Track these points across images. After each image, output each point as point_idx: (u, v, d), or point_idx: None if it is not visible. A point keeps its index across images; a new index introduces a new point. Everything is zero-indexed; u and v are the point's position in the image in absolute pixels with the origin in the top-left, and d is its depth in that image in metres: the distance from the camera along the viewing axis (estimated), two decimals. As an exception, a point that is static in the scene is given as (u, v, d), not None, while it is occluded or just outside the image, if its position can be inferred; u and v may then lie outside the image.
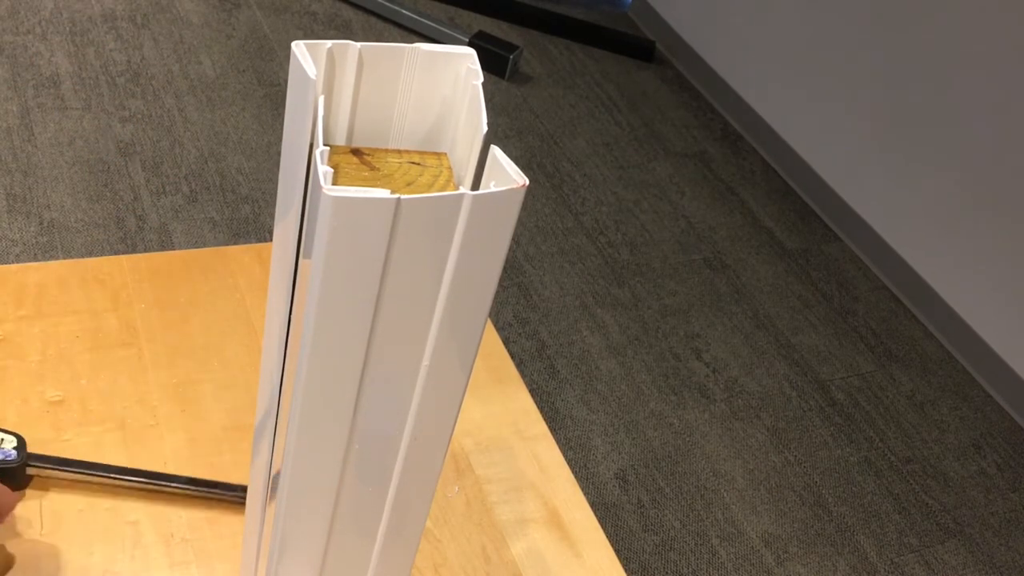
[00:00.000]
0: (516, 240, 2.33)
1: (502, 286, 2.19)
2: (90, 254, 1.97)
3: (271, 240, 0.52)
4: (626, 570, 1.72)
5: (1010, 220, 2.19)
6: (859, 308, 2.41)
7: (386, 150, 0.47)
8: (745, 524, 1.85)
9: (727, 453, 1.97)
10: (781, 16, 2.75)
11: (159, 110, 2.36)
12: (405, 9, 2.90)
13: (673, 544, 1.79)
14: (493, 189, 0.40)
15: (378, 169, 0.45)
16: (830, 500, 1.94)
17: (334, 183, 0.38)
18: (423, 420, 0.48)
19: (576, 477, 0.86)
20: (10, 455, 0.67)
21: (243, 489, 0.73)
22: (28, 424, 0.75)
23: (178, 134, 2.31)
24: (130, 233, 2.04)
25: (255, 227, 2.13)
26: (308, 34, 2.78)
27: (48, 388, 0.78)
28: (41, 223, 2.00)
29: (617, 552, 1.73)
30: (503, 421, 0.88)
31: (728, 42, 2.95)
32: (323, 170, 0.38)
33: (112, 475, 0.72)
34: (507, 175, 0.40)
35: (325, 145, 0.40)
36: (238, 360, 0.85)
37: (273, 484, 0.53)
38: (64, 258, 1.94)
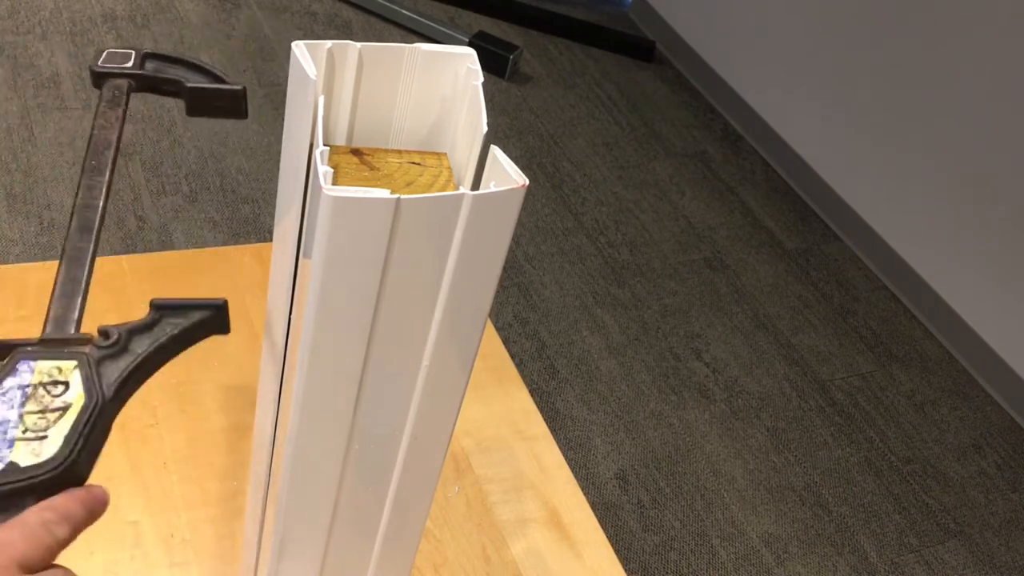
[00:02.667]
0: (516, 240, 2.33)
1: (502, 286, 2.19)
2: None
3: (271, 240, 0.52)
4: (626, 570, 1.72)
5: (1010, 220, 2.18)
6: (859, 308, 2.41)
7: (386, 150, 0.47)
8: (745, 524, 1.85)
9: (727, 453, 1.97)
10: (781, 17, 2.75)
11: (159, 110, 2.36)
12: (405, 9, 2.90)
13: (673, 544, 1.79)
14: (493, 189, 0.40)
15: (378, 169, 0.45)
16: (830, 500, 1.94)
17: (334, 183, 0.38)
18: (423, 420, 0.48)
19: (576, 477, 0.86)
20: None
21: None
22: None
23: (178, 134, 2.31)
24: (130, 233, 2.04)
25: (255, 227, 2.13)
26: (308, 34, 2.78)
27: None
28: (41, 223, 2.00)
29: (617, 552, 1.73)
30: (503, 421, 0.88)
31: (728, 42, 2.95)
32: (323, 170, 0.38)
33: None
34: (507, 175, 0.40)
35: (325, 145, 0.40)
36: (238, 360, 0.85)
37: (273, 484, 0.53)
38: (64, 258, 1.94)
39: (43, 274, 0.88)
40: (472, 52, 0.45)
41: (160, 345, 0.41)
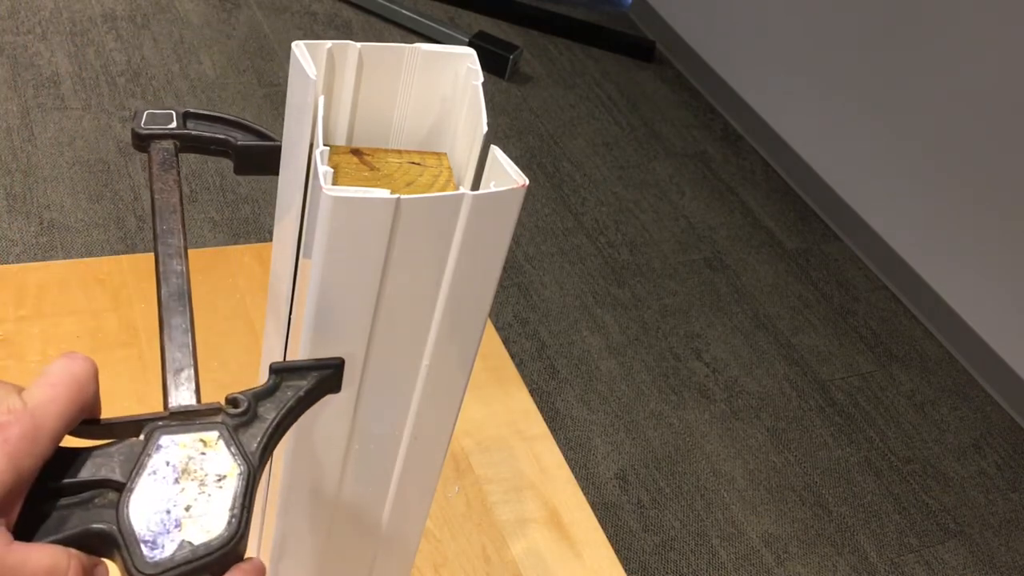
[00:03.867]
0: (516, 240, 2.33)
1: (502, 286, 2.19)
2: (90, 254, 1.97)
3: (271, 240, 0.52)
4: (626, 570, 1.71)
5: (1010, 220, 2.18)
6: (859, 308, 2.41)
7: (386, 150, 0.47)
8: (745, 524, 1.85)
9: (727, 453, 1.97)
10: (781, 16, 2.75)
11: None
12: (405, 9, 2.90)
13: (673, 544, 1.79)
14: (493, 189, 0.40)
15: (378, 169, 0.45)
16: (830, 500, 1.94)
17: (334, 183, 0.38)
18: (423, 420, 0.48)
19: (576, 477, 0.85)
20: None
21: None
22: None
23: (178, 134, 2.31)
24: (130, 233, 2.04)
25: (255, 227, 2.13)
26: (308, 34, 2.78)
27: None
28: (41, 223, 2.00)
29: (617, 552, 1.72)
30: (503, 421, 0.88)
31: (728, 42, 2.95)
32: (323, 170, 0.38)
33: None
34: (507, 175, 0.40)
35: (325, 145, 0.40)
36: (238, 360, 0.84)
37: (273, 483, 0.53)
38: (64, 258, 1.94)
39: (43, 274, 0.88)
40: (472, 52, 0.45)
41: (288, 409, 0.41)
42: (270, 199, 2.19)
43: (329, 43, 0.43)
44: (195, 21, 2.69)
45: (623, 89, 2.96)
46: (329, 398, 0.44)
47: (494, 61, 2.83)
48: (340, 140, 0.47)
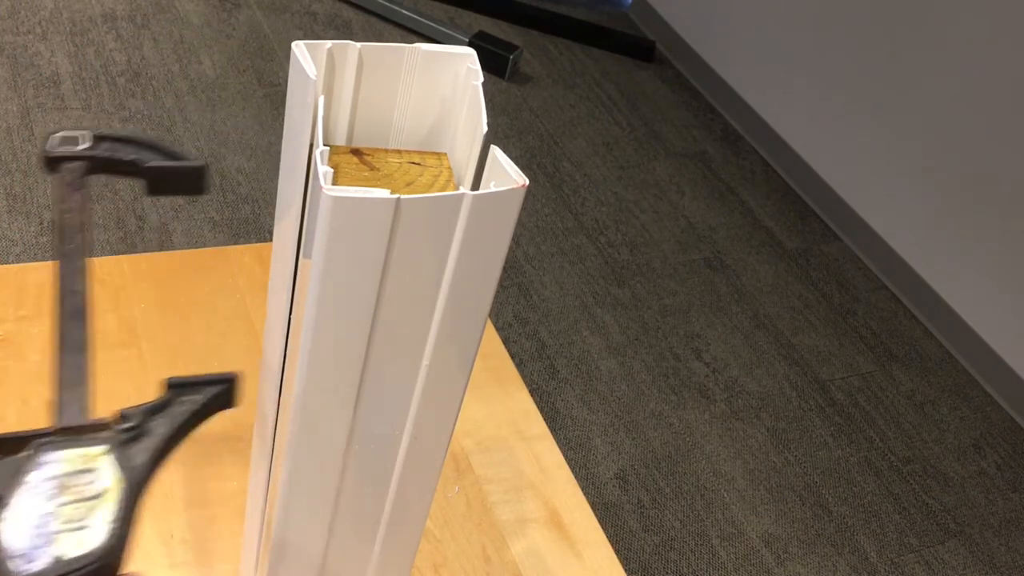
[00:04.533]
0: (516, 240, 2.33)
1: (502, 286, 2.19)
2: (90, 254, 1.97)
3: (271, 240, 0.52)
4: (626, 570, 1.71)
5: (1011, 220, 2.18)
6: (859, 308, 2.41)
7: (386, 150, 0.47)
8: (745, 524, 1.85)
9: (727, 453, 1.97)
10: (781, 17, 2.75)
11: (159, 110, 2.36)
12: (405, 9, 2.90)
13: (673, 544, 1.79)
14: (493, 189, 0.40)
15: (378, 169, 0.45)
16: (830, 500, 1.94)
17: (334, 183, 0.38)
18: (423, 420, 0.48)
19: (576, 477, 0.85)
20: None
21: None
22: (28, 425, 0.75)
23: (178, 134, 2.31)
24: (130, 233, 2.04)
25: (255, 227, 2.13)
26: (308, 34, 2.78)
27: (48, 388, 0.78)
28: (41, 223, 2.00)
29: (617, 552, 1.73)
30: (503, 421, 0.88)
31: (728, 42, 2.95)
32: (323, 170, 0.38)
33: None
34: (507, 175, 0.40)
35: (325, 145, 0.40)
36: (238, 360, 0.85)
37: (273, 484, 0.53)
38: (64, 258, 1.94)
39: (43, 274, 0.88)
40: (472, 52, 0.45)
41: (179, 425, 0.41)
42: (270, 199, 2.20)
43: (329, 43, 0.43)
44: (195, 21, 2.69)
45: (623, 89, 2.96)
46: (329, 398, 0.44)
47: (494, 61, 2.83)
48: (340, 140, 0.47)
